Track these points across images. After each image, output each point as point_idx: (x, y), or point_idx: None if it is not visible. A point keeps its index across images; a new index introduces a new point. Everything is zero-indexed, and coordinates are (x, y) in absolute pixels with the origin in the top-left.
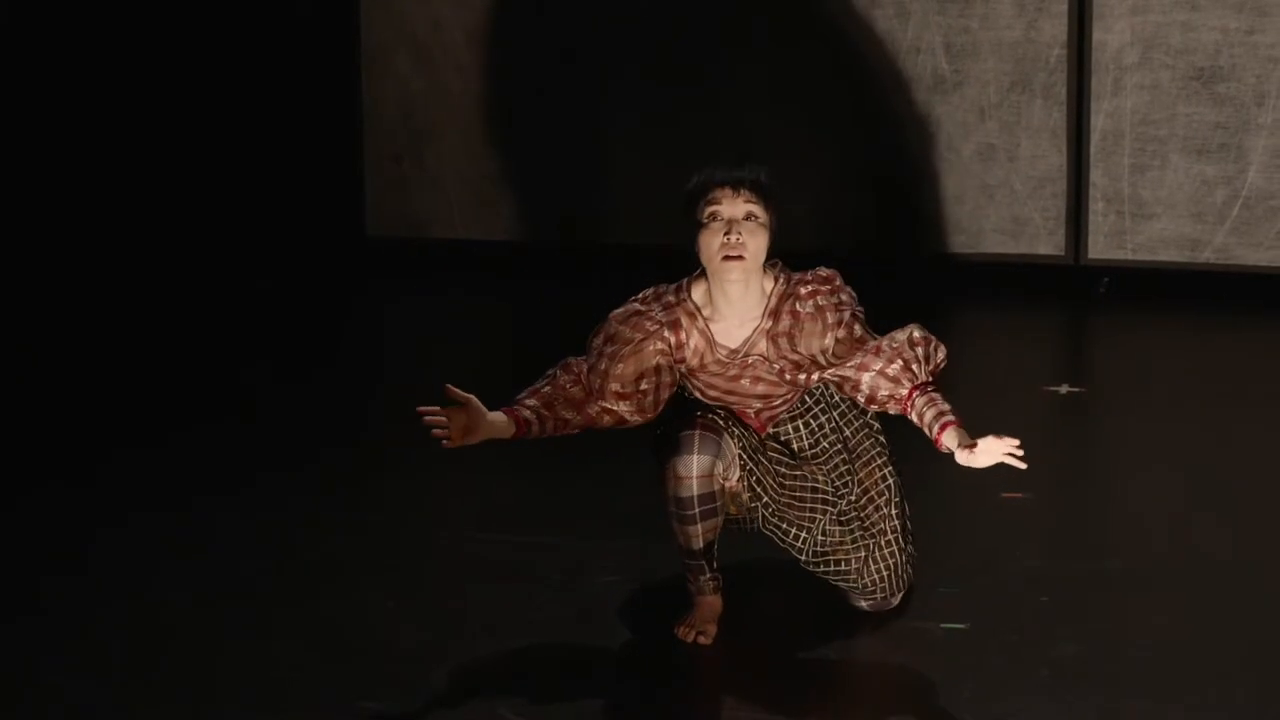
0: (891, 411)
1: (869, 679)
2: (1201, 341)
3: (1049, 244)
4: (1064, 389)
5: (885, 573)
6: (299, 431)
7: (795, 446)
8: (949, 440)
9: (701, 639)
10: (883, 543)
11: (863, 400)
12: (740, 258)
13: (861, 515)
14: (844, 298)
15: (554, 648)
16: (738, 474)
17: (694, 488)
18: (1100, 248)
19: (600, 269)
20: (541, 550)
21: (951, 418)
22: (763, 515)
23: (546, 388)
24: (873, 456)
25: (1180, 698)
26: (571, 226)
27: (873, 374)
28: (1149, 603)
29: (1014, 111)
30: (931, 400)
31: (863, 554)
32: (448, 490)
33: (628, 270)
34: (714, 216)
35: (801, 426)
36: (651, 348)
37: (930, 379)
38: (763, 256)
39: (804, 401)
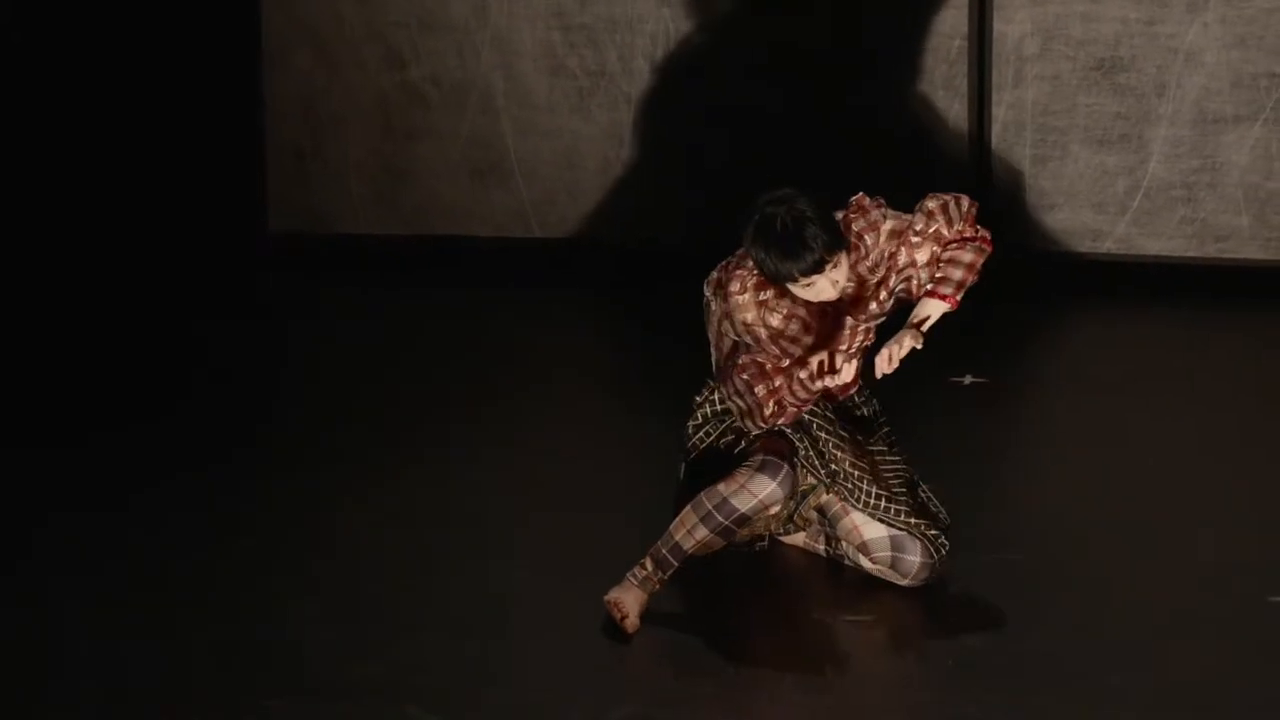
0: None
1: (774, 672)
2: (1104, 331)
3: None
4: (967, 379)
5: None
6: (199, 431)
7: (857, 414)
8: (917, 311)
9: (626, 624)
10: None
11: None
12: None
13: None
14: (874, 214)
15: (465, 644)
16: (791, 509)
17: (749, 507)
18: (1002, 239)
19: (505, 264)
20: (451, 546)
21: (939, 289)
22: (838, 470)
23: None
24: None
25: (1084, 688)
26: (476, 221)
27: (924, 268)
28: (1053, 594)
29: (915, 103)
30: (942, 263)
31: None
32: (351, 488)
33: (537, 267)
34: (810, 287)
35: (858, 399)
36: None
37: (959, 235)
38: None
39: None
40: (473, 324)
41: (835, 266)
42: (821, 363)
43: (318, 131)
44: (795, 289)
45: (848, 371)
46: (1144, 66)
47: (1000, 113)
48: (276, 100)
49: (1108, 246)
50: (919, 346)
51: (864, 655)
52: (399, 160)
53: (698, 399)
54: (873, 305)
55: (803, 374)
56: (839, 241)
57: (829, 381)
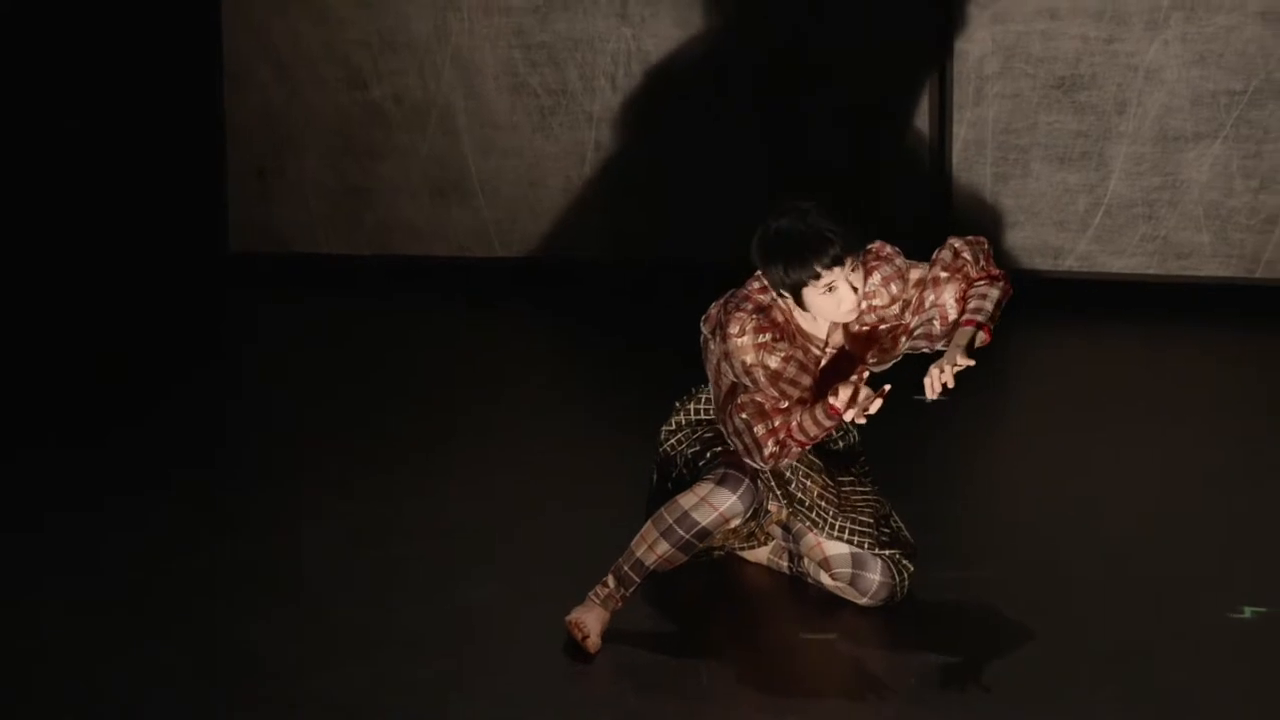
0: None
1: (736, 691)
2: (1065, 349)
3: (912, 254)
4: (930, 397)
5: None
6: (161, 448)
7: (832, 448)
8: (957, 338)
9: (588, 644)
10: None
11: (949, 327)
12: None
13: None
14: (898, 261)
15: (430, 662)
16: (753, 526)
17: (710, 520)
18: None
19: (467, 282)
20: (416, 562)
21: (975, 317)
22: (804, 499)
23: (764, 409)
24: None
25: (1048, 705)
26: (438, 240)
27: (951, 306)
28: (1017, 611)
29: (877, 121)
30: (972, 297)
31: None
32: (314, 504)
33: (499, 285)
34: (830, 288)
35: (835, 432)
36: (764, 339)
37: (984, 273)
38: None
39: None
40: (436, 342)
41: (854, 270)
42: (853, 394)
43: (279, 150)
44: (813, 296)
45: (875, 404)
46: (1104, 84)
47: (961, 131)
48: (237, 119)
49: (1069, 264)
50: (972, 363)
51: (826, 673)
52: (360, 179)
53: (677, 404)
54: (895, 348)
55: (832, 400)
56: (856, 242)
57: (857, 415)
